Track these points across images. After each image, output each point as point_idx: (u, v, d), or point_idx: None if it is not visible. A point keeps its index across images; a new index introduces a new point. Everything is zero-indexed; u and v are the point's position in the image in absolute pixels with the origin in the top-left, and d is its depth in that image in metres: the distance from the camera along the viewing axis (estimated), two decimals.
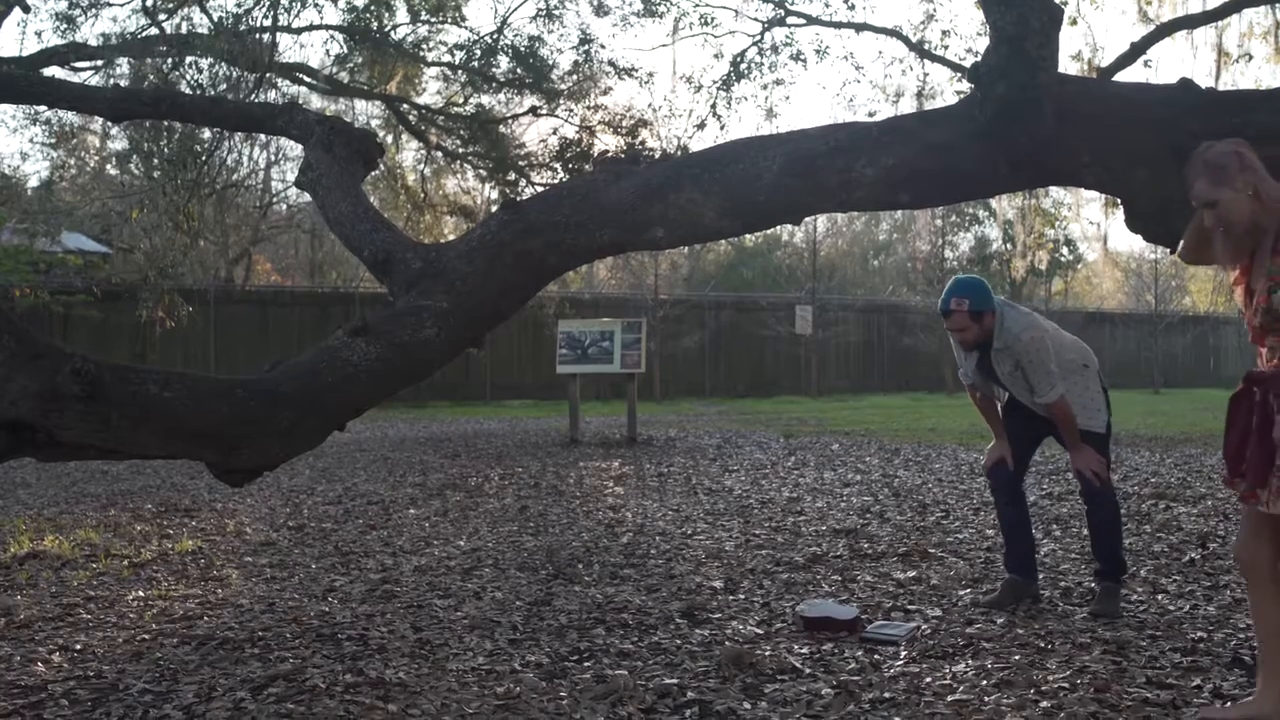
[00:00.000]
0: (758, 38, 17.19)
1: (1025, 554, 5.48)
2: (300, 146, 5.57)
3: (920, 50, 16.75)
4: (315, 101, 22.71)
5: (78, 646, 4.94)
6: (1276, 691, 3.50)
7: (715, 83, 17.65)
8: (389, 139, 23.07)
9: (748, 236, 37.52)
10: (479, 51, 19.20)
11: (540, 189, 15.76)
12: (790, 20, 17.10)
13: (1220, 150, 3.47)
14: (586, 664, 4.56)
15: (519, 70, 19.22)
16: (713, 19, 18.47)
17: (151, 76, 15.92)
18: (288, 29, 17.60)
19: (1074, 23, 14.37)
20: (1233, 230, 3.48)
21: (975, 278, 5.40)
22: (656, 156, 4.90)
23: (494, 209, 4.81)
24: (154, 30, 16.46)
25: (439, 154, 21.89)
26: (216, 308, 24.39)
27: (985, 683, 4.13)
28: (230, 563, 6.86)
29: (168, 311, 18.85)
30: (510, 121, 21.57)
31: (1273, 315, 3.39)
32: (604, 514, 8.55)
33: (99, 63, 16.62)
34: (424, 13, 19.30)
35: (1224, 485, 3.49)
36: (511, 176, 19.78)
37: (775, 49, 17.21)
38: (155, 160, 16.88)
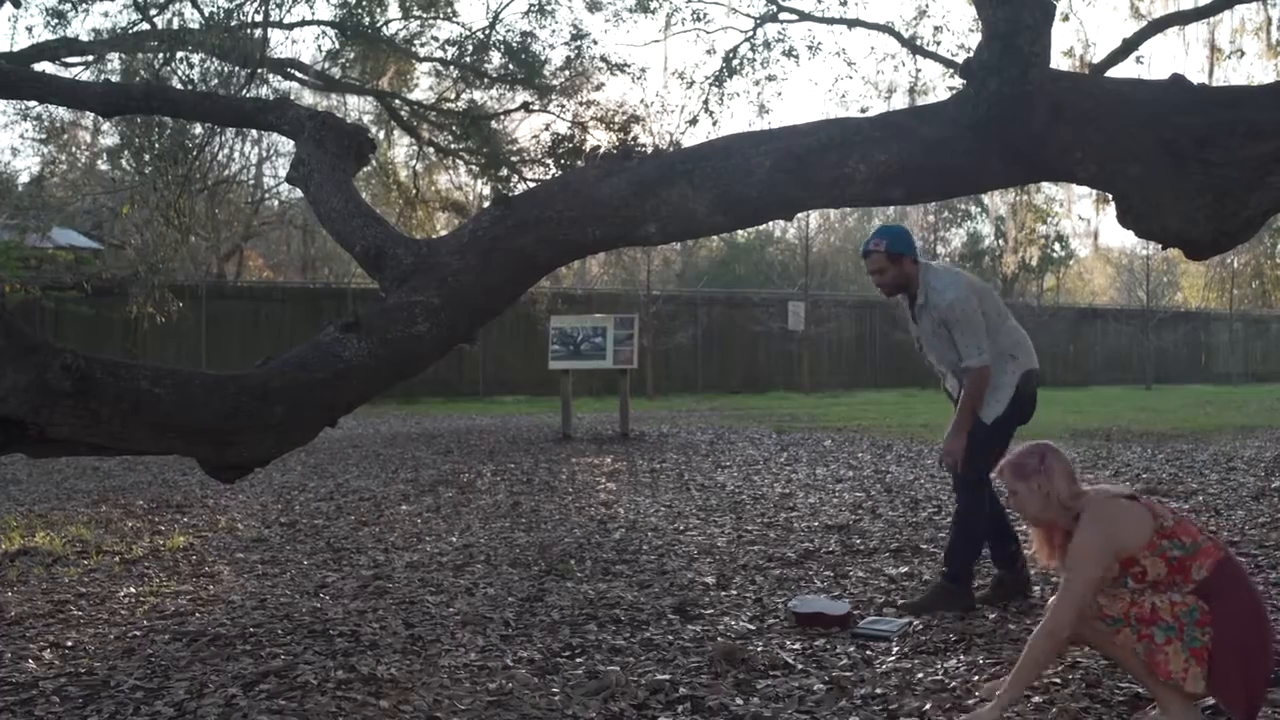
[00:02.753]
0: (750, 33, 17.18)
1: (1006, 550, 5.48)
2: (292, 142, 5.56)
3: (913, 46, 16.75)
4: (307, 97, 22.66)
5: (69, 643, 4.93)
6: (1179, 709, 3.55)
7: (708, 78, 17.65)
8: (381, 134, 23.04)
9: (740, 232, 37.56)
10: (471, 47, 19.16)
11: (532, 185, 15.74)
12: (783, 16, 17.09)
13: (1027, 450, 3.79)
14: (579, 660, 4.56)
15: (511, 66, 19.18)
16: (705, 15, 18.56)
17: (143, 72, 15.87)
18: (279, 24, 17.54)
19: (1066, 19, 14.41)
20: (1032, 521, 3.83)
21: (898, 226, 5.43)
22: (649, 152, 4.88)
23: (486, 205, 4.79)
24: (145, 25, 16.39)
25: (431, 149, 21.85)
26: (208, 303, 24.34)
27: (977, 678, 4.13)
28: (222, 559, 6.85)
29: (158, 307, 18.78)
30: (502, 117, 21.54)
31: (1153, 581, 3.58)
32: (596, 510, 8.55)
33: (90, 58, 16.57)
34: (416, 8, 19.24)
35: None
36: (504, 172, 19.75)
37: (768, 45, 17.21)
38: (146, 156, 16.84)
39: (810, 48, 24.53)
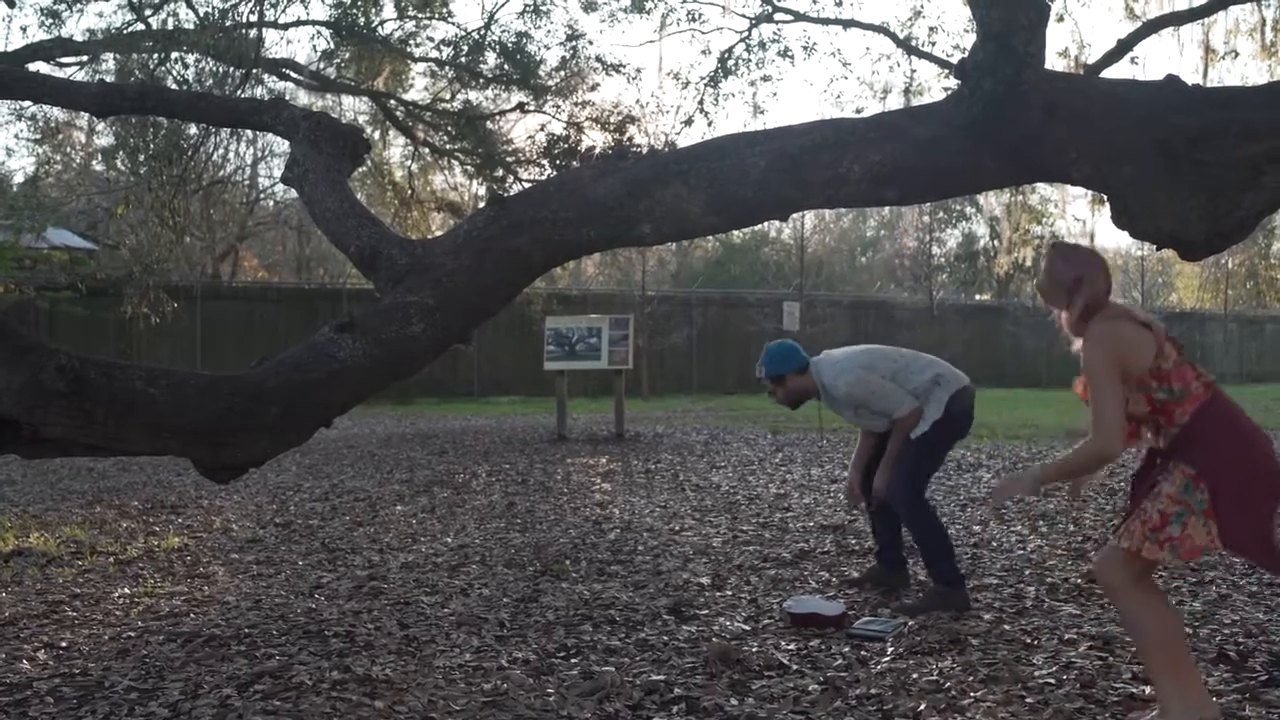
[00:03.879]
0: (745, 34, 17.16)
1: (891, 554, 5.83)
2: (287, 142, 5.55)
3: (908, 47, 16.75)
4: (302, 97, 22.64)
5: (63, 644, 4.93)
6: (1179, 704, 3.56)
7: (703, 79, 17.62)
8: (376, 135, 23.00)
9: (735, 233, 37.53)
10: (466, 47, 19.14)
11: (528, 185, 15.75)
12: (778, 17, 17.07)
13: (1071, 246, 3.89)
14: (574, 660, 4.56)
15: (506, 66, 19.16)
16: (700, 15, 18.58)
17: (137, 72, 15.83)
18: (274, 24, 17.53)
19: (1061, 19, 14.38)
20: (1051, 298, 3.82)
21: (777, 344, 5.77)
22: (644, 153, 4.88)
23: (481, 205, 4.79)
24: (140, 25, 16.36)
25: (426, 150, 21.83)
26: (203, 304, 24.31)
27: (971, 678, 4.14)
28: (217, 560, 6.85)
29: (153, 308, 18.75)
30: (498, 117, 21.51)
31: (1155, 407, 3.65)
32: (591, 510, 8.55)
33: (84, 58, 16.54)
34: (411, 8, 19.21)
35: None
36: (499, 173, 19.73)
37: (763, 45, 17.19)
38: (141, 156, 16.79)
39: (805, 48, 24.35)
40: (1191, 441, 3.55)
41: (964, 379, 5.59)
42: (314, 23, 18.53)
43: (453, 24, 24.35)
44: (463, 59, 19.23)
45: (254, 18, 15.93)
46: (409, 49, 19.86)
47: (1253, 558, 3.59)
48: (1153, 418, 3.63)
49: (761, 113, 18.83)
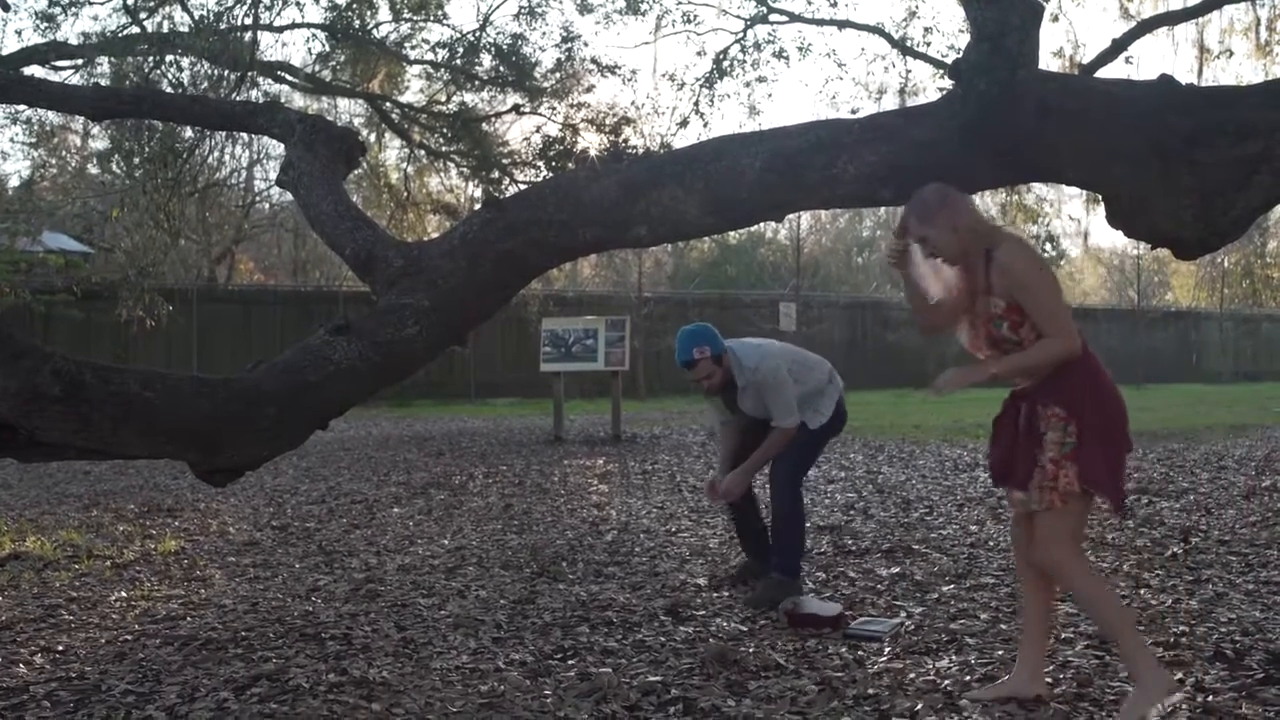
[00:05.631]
0: (740, 35, 17.20)
1: (759, 546, 5.90)
2: (282, 145, 5.55)
3: (902, 47, 16.79)
4: (297, 100, 22.63)
5: (60, 648, 4.92)
6: (1029, 670, 3.85)
7: (698, 80, 17.67)
8: (371, 137, 22.98)
9: (731, 234, 37.55)
10: (461, 49, 19.13)
11: (523, 187, 15.74)
12: (773, 18, 17.12)
13: (924, 194, 3.81)
14: (571, 662, 4.56)
15: (502, 68, 19.15)
16: (695, 16, 18.58)
17: (132, 75, 15.82)
18: (269, 27, 17.52)
19: (1055, 19, 14.41)
20: (945, 256, 3.80)
21: (704, 325, 5.77)
22: (639, 155, 4.90)
23: (477, 207, 4.79)
24: (135, 29, 16.36)
25: (422, 152, 21.82)
26: (199, 307, 24.27)
27: (969, 678, 4.14)
28: (213, 563, 6.84)
29: (148, 311, 18.73)
30: (493, 120, 21.50)
31: (998, 346, 3.80)
32: (588, 512, 8.55)
33: (80, 62, 16.52)
34: (406, 10, 19.22)
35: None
36: (495, 175, 19.73)
37: (758, 46, 17.23)
38: (136, 159, 16.77)
39: (800, 49, 24.38)
40: (1061, 378, 3.69)
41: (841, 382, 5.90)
42: (309, 25, 18.54)
43: (448, 26, 24.43)
44: (458, 61, 19.23)
45: (249, 21, 15.95)
46: (404, 51, 19.87)
47: (1105, 493, 3.69)
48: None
49: (757, 114, 18.90)
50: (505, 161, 19.91)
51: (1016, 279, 3.69)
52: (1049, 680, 4.03)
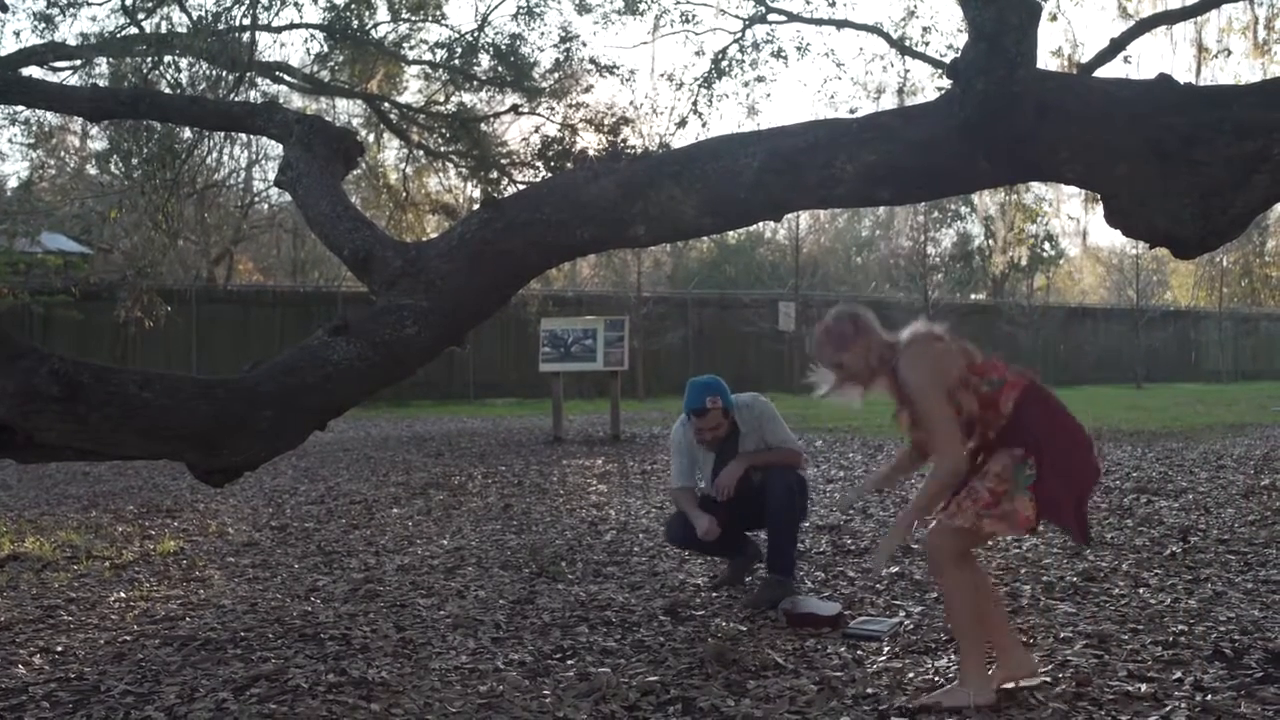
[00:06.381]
0: (739, 35, 17.23)
1: (743, 555, 5.96)
2: (281, 145, 5.55)
3: (901, 47, 16.80)
4: (296, 100, 22.63)
5: (59, 648, 4.92)
6: (978, 676, 3.88)
7: (696, 80, 17.70)
8: (370, 138, 23.00)
9: (730, 233, 37.61)
10: (460, 50, 19.16)
11: (522, 187, 15.74)
12: (771, 17, 17.13)
13: (835, 320, 4.07)
14: (570, 662, 4.56)
15: (500, 68, 19.18)
16: (694, 16, 18.62)
17: (131, 76, 15.84)
18: (268, 28, 17.53)
19: (1054, 19, 14.40)
20: (862, 380, 4.04)
21: (715, 377, 5.79)
22: (637, 154, 4.90)
23: (475, 207, 4.78)
24: (133, 29, 16.37)
25: (420, 152, 21.84)
26: (198, 307, 24.29)
27: None
28: (212, 563, 6.84)
29: (147, 311, 18.75)
30: (492, 120, 21.54)
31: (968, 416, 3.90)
32: (587, 512, 8.55)
33: (78, 62, 16.54)
34: (404, 11, 19.23)
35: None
36: (493, 175, 19.75)
37: (756, 46, 17.26)
38: (135, 160, 16.81)
39: (799, 49, 24.49)
40: (1019, 424, 3.81)
41: None
42: (307, 26, 18.54)
43: (446, 26, 24.43)
44: (456, 61, 19.26)
45: (247, 21, 15.95)
46: (403, 51, 19.89)
47: (1066, 524, 3.83)
48: (983, 413, 3.85)
49: (755, 114, 18.98)
50: (504, 161, 19.94)
51: (910, 393, 3.87)
52: (1048, 679, 4.03)
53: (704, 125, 18.26)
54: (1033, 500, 3.74)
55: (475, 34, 19.06)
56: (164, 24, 15.93)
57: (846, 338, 3.99)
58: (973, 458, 3.93)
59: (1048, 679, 4.04)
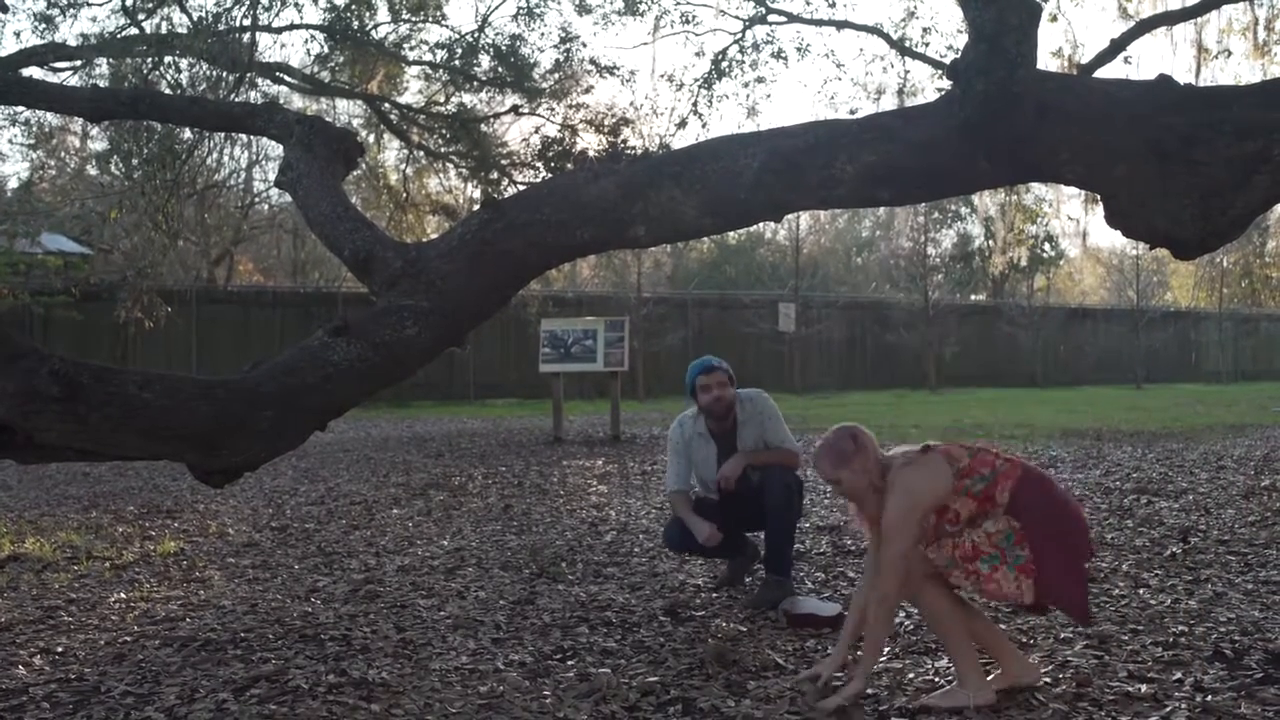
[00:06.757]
0: (739, 35, 17.21)
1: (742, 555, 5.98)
2: (281, 146, 5.55)
3: (901, 48, 16.80)
4: (296, 101, 22.66)
5: (59, 649, 4.92)
6: (975, 676, 3.91)
7: (696, 81, 17.69)
8: (370, 138, 23.01)
9: (730, 234, 37.60)
10: (460, 50, 19.15)
11: (522, 188, 15.75)
12: (771, 18, 17.13)
13: (836, 436, 4.12)
14: (570, 662, 4.56)
15: (500, 69, 19.18)
16: (694, 17, 18.54)
17: (131, 76, 15.84)
18: (268, 28, 17.52)
19: (1054, 19, 14.40)
20: (858, 497, 4.10)
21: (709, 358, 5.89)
22: (637, 155, 4.89)
23: (475, 208, 4.78)
24: (133, 30, 16.37)
25: (421, 153, 21.84)
26: (198, 308, 24.30)
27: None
28: (213, 564, 6.84)
29: (146, 312, 18.75)
30: (492, 120, 21.54)
31: (946, 537, 3.94)
32: (587, 512, 8.55)
33: (78, 63, 16.54)
34: (405, 12, 19.23)
35: None
36: (494, 175, 19.75)
37: (756, 47, 17.25)
38: (135, 160, 16.80)
39: (799, 49, 24.46)
40: (1016, 509, 3.85)
41: None
42: (308, 26, 18.54)
43: (446, 27, 24.46)
44: (456, 62, 19.26)
45: (247, 22, 15.96)
46: (403, 52, 19.89)
47: (1072, 603, 3.85)
48: (980, 508, 3.89)
49: (756, 114, 18.94)
50: (504, 162, 19.94)
51: (886, 501, 3.93)
52: (1047, 679, 4.04)
53: (704, 126, 18.27)
54: (1019, 583, 3.76)
55: (475, 35, 19.07)
56: (164, 24, 15.94)
57: (846, 454, 4.04)
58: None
59: (1048, 679, 4.04)
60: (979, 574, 3.79)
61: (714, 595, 5.71)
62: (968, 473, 3.89)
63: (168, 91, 14.22)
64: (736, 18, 19.17)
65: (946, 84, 4.42)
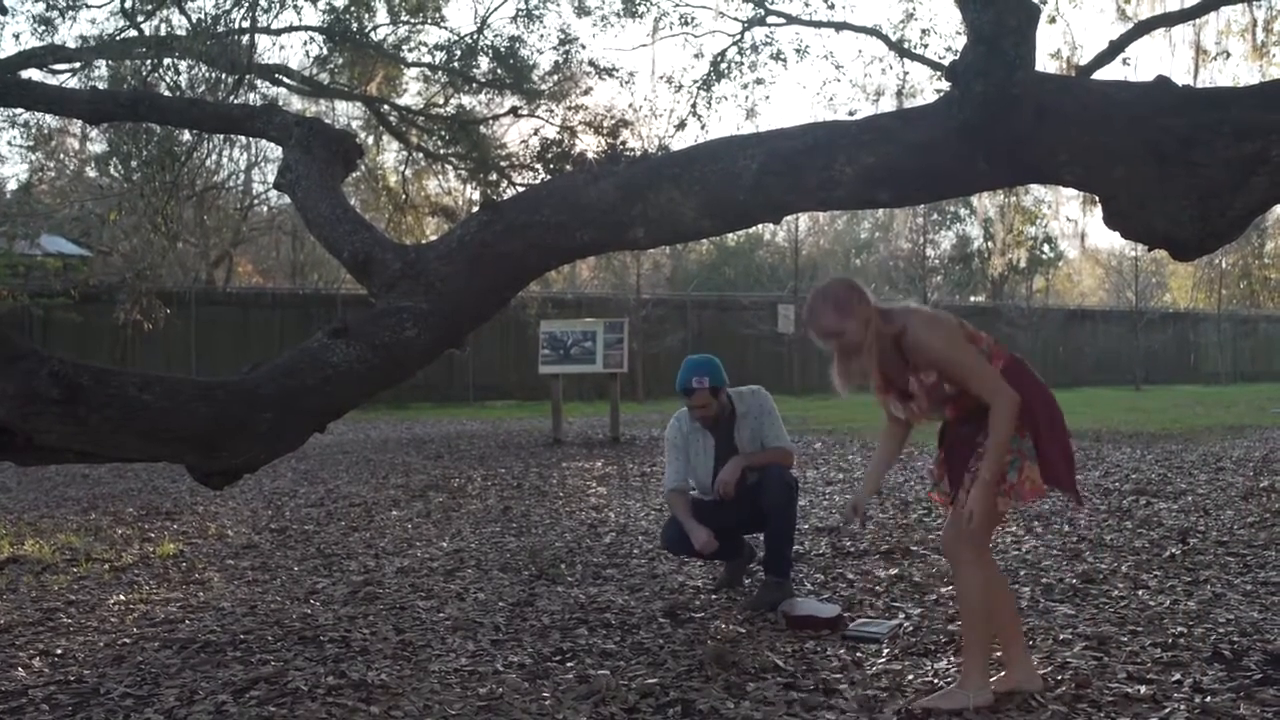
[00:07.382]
0: (738, 37, 17.22)
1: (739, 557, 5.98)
2: (280, 148, 5.55)
3: (900, 49, 16.80)
4: (295, 103, 22.65)
5: (58, 651, 4.92)
6: (978, 676, 3.90)
7: (695, 82, 17.70)
8: (369, 140, 23.02)
9: (729, 236, 37.56)
10: (459, 52, 19.16)
11: (521, 190, 15.74)
12: (770, 20, 17.13)
13: (833, 286, 3.97)
14: (569, 664, 4.56)
15: (499, 71, 19.19)
16: (693, 19, 18.51)
17: (130, 78, 15.84)
18: (267, 30, 17.53)
19: (1053, 21, 14.41)
20: (860, 351, 3.91)
21: (710, 357, 5.82)
22: (636, 157, 4.89)
23: (475, 210, 4.79)
24: (132, 32, 16.38)
25: (420, 155, 21.84)
26: (197, 310, 24.29)
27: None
28: (212, 566, 6.84)
29: (146, 314, 18.75)
30: (491, 122, 21.56)
31: (949, 401, 3.94)
32: (587, 514, 8.55)
33: (77, 65, 16.54)
34: (404, 13, 19.24)
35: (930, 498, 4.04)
36: (493, 177, 19.75)
37: (755, 48, 17.26)
38: (134, 162, 16.80)
39: (798, 51, 24.50)
40: None
41: None
42: (307, 28, 18.55)
43: (445, 29, 24.48)
44: (456, 64, 19.27)
45: (246, 24, 15.97)
46: (402, 54, 19.90)
47: (1066, 489, 3.88)
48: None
49: (755, 116, 18.93)
50: (503, 164, 19.95)
51: (933, 358, 3.85)
52: (1048, 680, 4.04)
53: (703, 127, 18.26)
54: (1033, 466, 3.80)
55: (474, 36, 19.08)
56: (163, 26, 15.95)
57: (849, 303, 3.88)
58: (955, 434, 4.01)
59: (1047, 680, 4.04)
60: (1013, 485, 3.79)
61: (713, 597, 5.72)
62: (971, 338, 3.91)
63: (167, 93, 14.22)
64: (735, 19, 19.21)
65: (945, 85, 4.43)
